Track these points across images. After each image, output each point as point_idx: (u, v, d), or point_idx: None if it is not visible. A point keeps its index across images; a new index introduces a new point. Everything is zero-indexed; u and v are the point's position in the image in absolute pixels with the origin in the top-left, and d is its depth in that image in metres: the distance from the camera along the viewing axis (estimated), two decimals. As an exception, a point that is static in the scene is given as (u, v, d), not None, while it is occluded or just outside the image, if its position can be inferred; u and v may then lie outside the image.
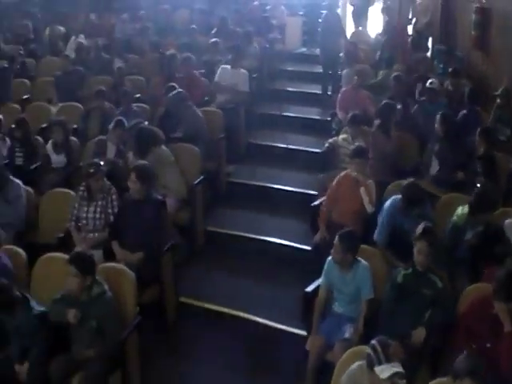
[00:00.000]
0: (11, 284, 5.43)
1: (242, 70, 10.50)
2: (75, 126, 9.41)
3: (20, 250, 6.43)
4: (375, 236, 6.51)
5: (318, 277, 6.05)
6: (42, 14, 16.63)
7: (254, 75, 11.48)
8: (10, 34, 15.86)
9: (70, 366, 5.48)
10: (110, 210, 7.00)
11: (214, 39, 12.11)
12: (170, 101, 9.00)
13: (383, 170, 7.67)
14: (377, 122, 8.36)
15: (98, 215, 7.01)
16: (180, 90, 9.05)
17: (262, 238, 8.04)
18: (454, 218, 6.20)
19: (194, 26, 13.53)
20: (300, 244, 7.78)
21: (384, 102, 8.70)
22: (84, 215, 7.04)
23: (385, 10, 13.94)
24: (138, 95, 10.29)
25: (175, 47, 12.53)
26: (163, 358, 6.49)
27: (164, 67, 11.13)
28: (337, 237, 5.73)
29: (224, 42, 12.30)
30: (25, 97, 11.16)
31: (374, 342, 4.44)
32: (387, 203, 6.57)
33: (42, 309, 5.51)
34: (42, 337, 5.47)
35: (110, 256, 6.64)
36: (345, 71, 11.09)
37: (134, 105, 9.56)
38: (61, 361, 5.51)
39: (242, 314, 6.93)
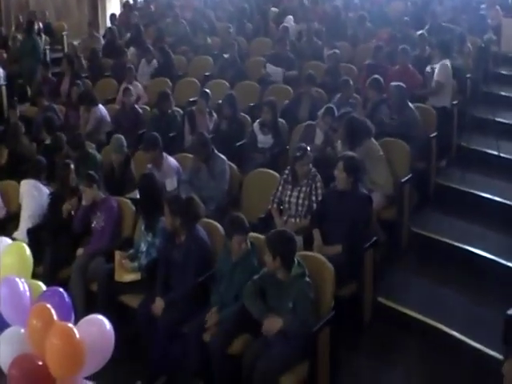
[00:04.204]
0: None
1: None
2: (284, 107, 9.27)
3: (218, 226, 6.42)
4: None
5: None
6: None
7: (468, 76, 10.88)
8: (221, 12, 16.15)
9: (259, 348, 5.38)
10: (313, 198, 6.80)
11: (420, 31, 11.57)
12: (391, 94, 8.65)
13: None
14: None
15: (301, 201, 6.83)
16: (401, 84, 8.66)
17: (468, 248, 7.48)
18: None
19: (406, 18, 13.02)
20: (509, 262, 7.20)
21: None
22: (287, 199, 6.90)
23: None
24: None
25: (387, 39, 12.17)
26: (353, 357, 6.24)
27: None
28: None
29: (436, 38, 11.76)
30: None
31: None
32: None
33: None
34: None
35: (308, 244, 6.43)
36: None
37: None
38: (253, 345, 5.42)
39: (437, 325, 6.46)
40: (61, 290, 4.01)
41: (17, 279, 4.00)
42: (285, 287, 5.35)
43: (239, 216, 5.85)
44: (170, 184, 7.47)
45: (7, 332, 3.88)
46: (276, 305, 5.41)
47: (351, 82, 9.36)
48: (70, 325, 3.60)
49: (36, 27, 15.11)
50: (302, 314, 5.28)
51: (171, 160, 7.78)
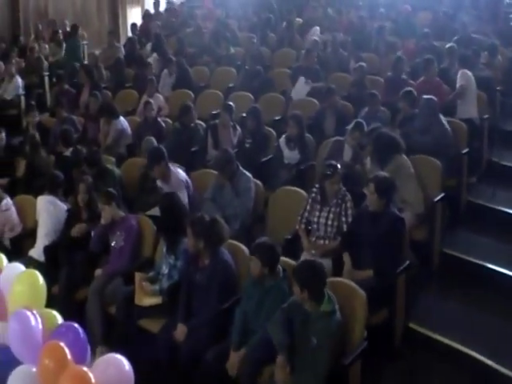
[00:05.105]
0: None
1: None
2: (310, 121, 8.99)
3: (243, 247, 6.18)
4: None
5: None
6: (279, 6, 16.50)
7: (498, 88, 10.54)
8: (243, 22, 15.93)
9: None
10: (343, 219, 6.48)
11: (450, 44, 11.22)
12: (420, 107, 8.33)
13: None
14: None
15: (330, 222, 6.51)
16: (431, 97, 8.35)
17: (501, 270, 7.16)
18: None
19: (426, 30, 12.66)
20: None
21: None
22: (315, 219, 6.59)
23: None
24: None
25: (413, 51, 11.86)
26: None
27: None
28: None
29: (465, 50, 11.43)
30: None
31: None
32: None
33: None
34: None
35: (338, 268, 6.14)
36: None
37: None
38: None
39: (469, 352, 6.13)
40: (76, 325, 3.73)
41: (28, 313, 3.73)
42: (312, 321, 5.04)
43: (268, 243, 5.51)
44: (182, 198, 7.18)
45: (18, 370, 3.61)
46: (301, 338, 5.09)
47: (379, 96, 9.06)
48: (85, 368, 3.30)
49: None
50: (322, 358, 4.95)
51: (179, 172, 7.52)
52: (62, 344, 3.40)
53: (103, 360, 3.52)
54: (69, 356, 3.36)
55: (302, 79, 10.59)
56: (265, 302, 5.41)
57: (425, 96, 8.42)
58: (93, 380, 3.22)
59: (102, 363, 3.48)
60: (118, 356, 3.54)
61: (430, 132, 8.10)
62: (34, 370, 3.53)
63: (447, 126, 8.24)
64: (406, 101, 8.62)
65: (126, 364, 3.49)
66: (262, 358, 5.26)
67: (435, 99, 8.36)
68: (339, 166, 6.65)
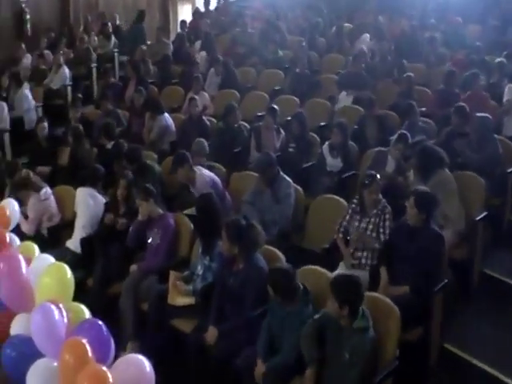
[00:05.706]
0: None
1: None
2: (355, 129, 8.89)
3: (279, 253, 6.10)
4: None
5: None
6: (329, 10, 16.38)
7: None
8: (292, 25, 15.85)
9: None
10: (381, 230, 6.36)
11: (500, 59, 11.00)
12: (475, 124, 8.13)
13: None
14: None
15: (369, 233, 6.39)
16: (487, 115, 8.15)
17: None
18: None
19: (478, 44, 12.45)
20: None
21: None
22: (354, 230, 6.46)
23: None
24: (423, 109, 9.48)
25: (461, 63, 11.66)
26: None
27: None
28: None
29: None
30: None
31: None
32: None
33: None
34: None
35: (374, 281, 6.02)
36: None
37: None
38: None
39: (507, 380, 5.94)
40: (100, 322, 3.68)
41: (52, 306, 3.69)
42: (345, 336, 4.95)
43: (278, 269, 5.43)
44: None
45: (38, 363, 3.57)
46: (333, 352, 5.01)
47: (416, 108, 8.87)
48: (105, 368, 3.25)
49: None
50: (360, 374, 4.87)
51: (204, 174, 7.48)
52: (83, 341, 3.36)
53: (124, 360, 3.49)
54: (89, 353, 3.32)
55: (343, 94, 10.54)
56: (285, 326, 5.33)
57: (479, 114, 8.22)
58: (111, 380, 3.18)
59: (123, 363, 3.45)
60: (140, 356, 3.50)
61: (484, 150, 7.90)
62: (56, 364, 3.50)
63: (499, 145, 8.04)
64: (458, 116, 8.39)
65: (147, 365, 3.44)
66: (286, 371, 5.18)
67: (490, 118, 8.17)
68: (379, 176, 6.54)
